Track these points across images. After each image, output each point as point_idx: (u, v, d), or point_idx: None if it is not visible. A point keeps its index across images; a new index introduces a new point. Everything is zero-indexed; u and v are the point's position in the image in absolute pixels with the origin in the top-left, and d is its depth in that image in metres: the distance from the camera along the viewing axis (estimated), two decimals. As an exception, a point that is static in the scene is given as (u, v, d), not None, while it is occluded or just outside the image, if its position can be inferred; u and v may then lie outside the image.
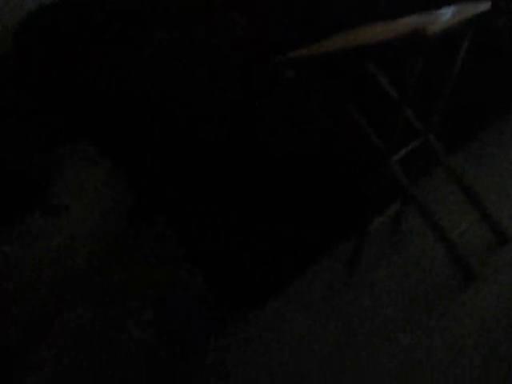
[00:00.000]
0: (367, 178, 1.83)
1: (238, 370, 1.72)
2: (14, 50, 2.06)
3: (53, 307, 1.39)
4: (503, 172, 2.24)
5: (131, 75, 1.85)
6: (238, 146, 1.87)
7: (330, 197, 2.03)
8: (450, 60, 1.72)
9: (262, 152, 1.91)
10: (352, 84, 1.87)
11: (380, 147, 1.74)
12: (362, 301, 1.83)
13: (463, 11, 1.60)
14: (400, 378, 1.54)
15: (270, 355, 1.75)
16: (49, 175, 1.57)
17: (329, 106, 1.97)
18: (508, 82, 2.48)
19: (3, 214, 1.45)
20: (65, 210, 1.47)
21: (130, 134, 1.77)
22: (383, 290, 1.85)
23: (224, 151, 1.84)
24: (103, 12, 2.06)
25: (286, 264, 1.97)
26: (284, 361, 1.72)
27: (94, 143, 1.72)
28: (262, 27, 1.99)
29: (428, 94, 1.84)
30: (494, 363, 1.42)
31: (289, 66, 1.78)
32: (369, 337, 1.70)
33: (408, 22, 1.64)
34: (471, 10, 1.60)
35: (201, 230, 1.81)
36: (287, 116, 1.96)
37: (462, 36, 1.65)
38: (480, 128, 2.44)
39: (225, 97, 1.88)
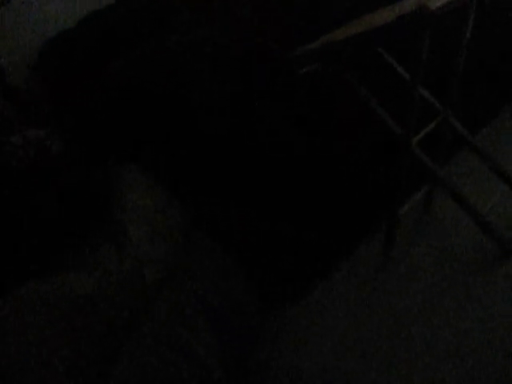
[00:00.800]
0: (393, 163, 1.82)
1: (292, 364, 1.72)
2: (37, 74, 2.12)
3: (122, 330, 1.39)
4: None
5: (155, 91, 1.88)
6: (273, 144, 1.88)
7: (361, 185, 2.02)
8: (460, 35, 1.71)
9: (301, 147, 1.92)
10: (365, 71, 1.87)
11: (398, 131, 1.73)
12: (400, 283, 1.82)
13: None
14: (449, 349, 1.53)
15: (319, 344, 1.74)
16: (108, 193, 1.59)
17: (345, 96, 1.96)
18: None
19: (70, 235, 1.47)
20: (123, 235, 1.48)
21: (171, 149, 1.80)
22: (420, 271, 1.84)
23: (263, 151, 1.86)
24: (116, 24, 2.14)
25: (323, 254, 1.96)
26: (335, 349, 1.72)
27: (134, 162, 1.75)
28: (265, 22, 2.00)
29: (443, 73, 1.82)
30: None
31: (303, 59, 1.79)
32: (413, 314, 1.69)
33: (412, 2, 1.63)
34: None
35: (245, 234, 1.82)
36: (309, 104, 1.97)
37: (468, 8, 1.63)
38: (501, 103, 2.41)
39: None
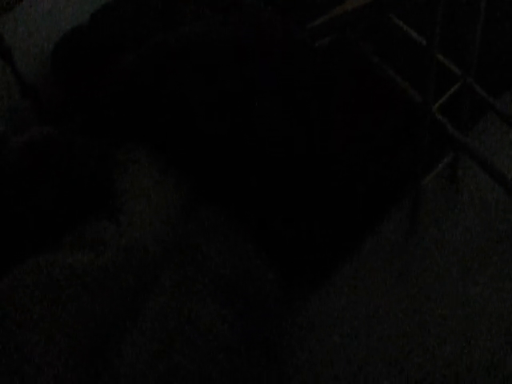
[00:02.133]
0: (415, 133, 1.78)
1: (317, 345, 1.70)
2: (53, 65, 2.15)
3: (126, 305, 1.39)
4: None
5: (158, 86, 1.87)
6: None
7: (383, 158, 1.99)
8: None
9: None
10: (379, 42, 1.85)
11: (418, 98, 1.69)
12: (427, 257, 1.79)
13: None
14: (478, 329, 1.50)
15: (349, 324, 1.72)
16: (110, 180, 1.60)
17: (360, 69, 1.94)
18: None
19: (71, 222, 1.48)
20: (123, 213, 1.49)
21: (179, 131, 1.79)
22: (448, 244, 1.79)
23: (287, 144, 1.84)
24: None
25: (346, 231, 1.94)
26: (360, 329, 1.69)
27: (141, 144, 1.75)
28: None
29: (460, 38, 1.78)
30: None
31: (316, 32, 1.77)
32: (442, 291, 1.65)
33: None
34: None
35: (264, 211, 1.80)
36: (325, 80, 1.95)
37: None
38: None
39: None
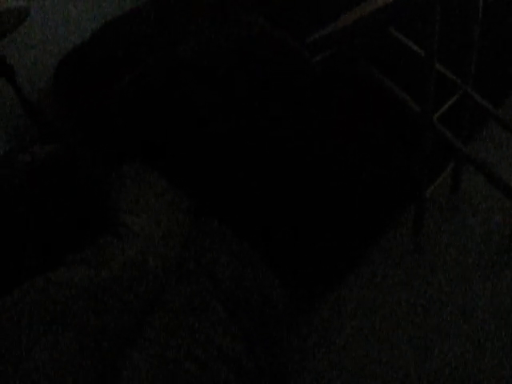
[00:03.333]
0: (416, 145, 1.79)
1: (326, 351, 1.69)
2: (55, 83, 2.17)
3: (130, 321, 1.39)
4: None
5: (169, 95, 1.89)
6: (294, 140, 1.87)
7: (386, 170, 1.99)
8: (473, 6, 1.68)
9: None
10: (378, 54, 1.85)
11: (418, 109, 1.70)
12: (431, 266, 1.78)
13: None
14: (481, 333, 1.49)
15: (353, 335, 1.71)
16: (112, 195, 1.61)
17: (359, 83, 1.94)
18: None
19: (73, 239, 1.48)
20: (125, 228, 1.49)
21: (178, 146, 1.80)
22: (452, 253, 1.79)
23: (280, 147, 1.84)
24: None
25: (351, 243, 1.94)
26: (369, 336, 1.69)
27: (143, 159, 1.76)
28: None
29: (458, 48, 1.79)
30: None
31: (315, 46, 1.78)
32: (445, 298, 1.65)
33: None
34: None
35: (267, 223, 1.80)
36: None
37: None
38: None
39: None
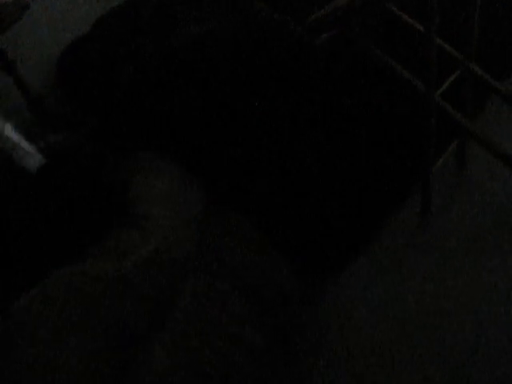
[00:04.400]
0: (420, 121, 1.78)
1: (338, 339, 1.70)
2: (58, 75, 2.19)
3: (152, 311, 1.40)
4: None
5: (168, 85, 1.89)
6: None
7: (392, 149, 1.99)
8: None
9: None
10: (379, 35, 1.85)
11: (419, 86, 1.70)
12: (440, 241, 1.79)
13: None
14: (492, 309, 1.49)
15: (365, 314, 1.72)
16: (127, 185, 1.61)
17: (361, 62, 1.94)
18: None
19: (94, 232, 1.49)
20: (145, 220, 1.49)
21: (193, 134, 1.80)
22: (459, 228, 1.79)
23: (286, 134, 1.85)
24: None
25: (361, 221, 1.94)
26: (380, 316, 1.70)
27: (157, 150, 1.77)
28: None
29: (459, 21, 1.78)
30: None
31: (317, 26, 1.77)
32: (454, 273, 1.66)
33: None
34: None
35: (276, 210, 1.81)
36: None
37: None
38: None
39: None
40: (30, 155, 1.62)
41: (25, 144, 1.65)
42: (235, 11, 2.13)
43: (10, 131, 1.65)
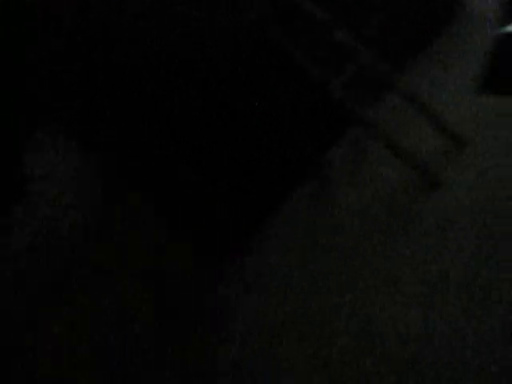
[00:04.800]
0: (319, 110, 1.83)
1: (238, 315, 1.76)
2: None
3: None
4: (449, 86, 2.23)
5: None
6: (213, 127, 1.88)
7: (290, 133, 2.04)
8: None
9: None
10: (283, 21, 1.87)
11: (319, 76, 1.74)
12: (335, 222, 1.88)
13: None
14: (379, 281, 1.57)
15: (262, 297, 1.79)
16: (24, 163, 1.58)
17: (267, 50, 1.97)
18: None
19: None
20: (42, 196, 1.48)
21: (99, 117, 1.79)
22: (354, 210, 1.89)
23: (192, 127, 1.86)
24: None
25: (259, 201, 2.00)
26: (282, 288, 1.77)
27: (63, 128, 1.74)
28: None
29: (361, 16, 1.83)
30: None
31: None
32: (346, 252, 1.74)
33: None
34: None
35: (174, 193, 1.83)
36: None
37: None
38: (425, 43, 2.43)
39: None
40: None
41: None
42: None
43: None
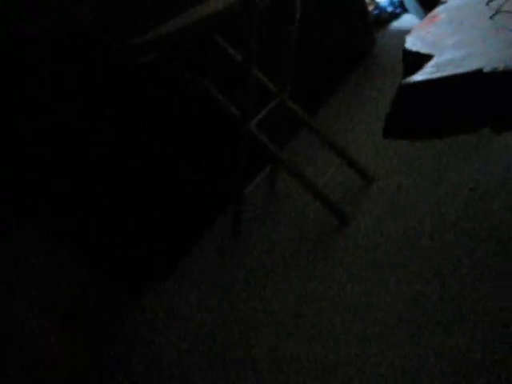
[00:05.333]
0: (234, 147, 1.90)
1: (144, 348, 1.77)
2: None
3: None
4: (360, 124, 2.37)
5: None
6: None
7: (206, 171, 2.10)
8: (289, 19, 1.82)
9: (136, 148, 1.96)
10: (204, 59, 1.95)
11: (236, 114, 1.81)
12: (249, 260, 1.93)
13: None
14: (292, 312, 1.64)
15: (169, 332, 1.80)
16: None
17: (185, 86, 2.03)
18: (354, 35, 2.62)
19: None
20: None
21: None
22: (269, 243, 1.96)
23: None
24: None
25: (171, 247, 2.04)
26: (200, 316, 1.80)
27: None
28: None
29: (278, 58, 1.92)
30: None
31: (139, 50, 1.82)
32: (260, 288, 1.79)
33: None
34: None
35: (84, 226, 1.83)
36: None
37: None
38: (338, 83, 2.57)
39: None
40: None
41: None
42: None
43: None
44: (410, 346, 1.29)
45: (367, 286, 1.55)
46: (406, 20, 3.49)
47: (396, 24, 3.52)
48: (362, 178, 1.96)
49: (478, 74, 0.94)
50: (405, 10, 3.60)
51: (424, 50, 1.13)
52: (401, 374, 1.23)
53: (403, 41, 1.27)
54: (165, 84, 2.01)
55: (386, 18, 3.67)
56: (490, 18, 1.13)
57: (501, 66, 0.90)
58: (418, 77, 1.03)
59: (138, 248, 2.00)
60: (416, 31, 1.28)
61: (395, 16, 3.68)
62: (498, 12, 1.12)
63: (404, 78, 1.11)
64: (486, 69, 0.92)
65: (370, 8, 3.62)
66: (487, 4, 1.20)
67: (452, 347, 1.21)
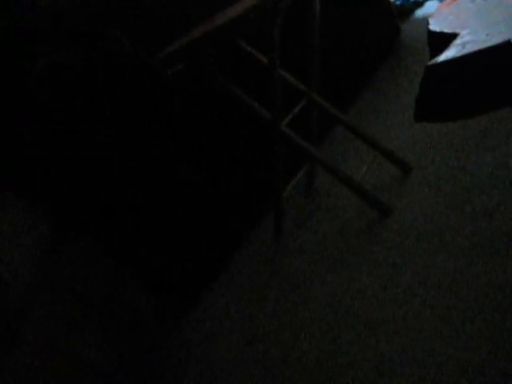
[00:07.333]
0: (269, 149, 1.90)
1: (190, 368, 1.78)
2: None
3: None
4: (391, 116, 2.35)
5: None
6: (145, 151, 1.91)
7: (244, 177, 2.10)
8: (311, 19, 1.82)
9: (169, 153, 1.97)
10: (231, 66, 1.95)
11: (266, 116, 1.82)
12: (293, 260, 1.92)
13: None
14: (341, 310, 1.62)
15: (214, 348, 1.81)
16: None
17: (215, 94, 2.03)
18: (378, 27, 2.59)
19: None
20: None
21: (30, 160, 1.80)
22: (311, 244, 1.94)
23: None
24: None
25: (214, 254, 2.04)
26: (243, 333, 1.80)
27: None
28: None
29: (304, 57, 1.92)
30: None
31: (167, 61, 1.84)
32: (306, 288, 1.78)
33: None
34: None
35: (130, 241, 1.85)
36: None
37: None
38: (366, 79, 2.55)
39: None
40: None
41: None
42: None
43: None
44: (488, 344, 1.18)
45: (418, 276, 1.53)
46: (430, 6, 3.46)
47: (420, 12, 3.49)
48: (399, 169, 1.94)
49: (506, 46, 0.92)
50: (427, -3, 3.57)
51: (448, 30, 1.12)
52: (472, 372, 1.17)
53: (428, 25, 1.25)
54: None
55: (409, 7, 3.64)
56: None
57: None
58: (444, 56, 1.01)
59: (185, 259, 2.01)
60: (439, 12, 1.26)
61: (418, 4, 3.65)
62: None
63: (430, 59, 1.09)
64: (514, 40, 0.90)
65: (393, -1, 3.60)
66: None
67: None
